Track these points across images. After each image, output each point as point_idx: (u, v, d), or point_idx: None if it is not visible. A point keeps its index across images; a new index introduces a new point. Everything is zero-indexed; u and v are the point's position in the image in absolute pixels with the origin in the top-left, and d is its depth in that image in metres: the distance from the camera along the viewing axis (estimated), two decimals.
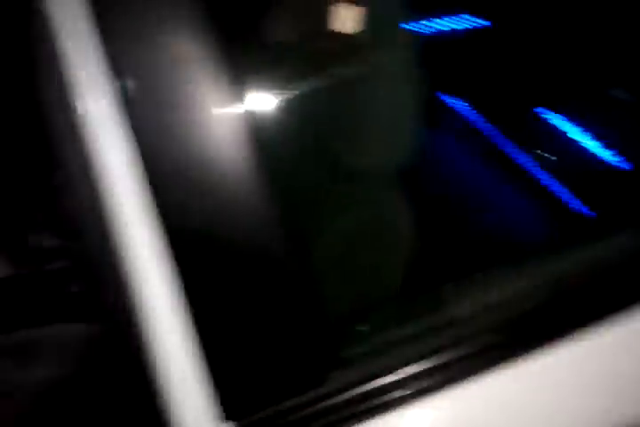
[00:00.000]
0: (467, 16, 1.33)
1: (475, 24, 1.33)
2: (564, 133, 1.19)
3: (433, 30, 1.31)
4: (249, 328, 0.77)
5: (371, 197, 1.02)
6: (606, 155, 1.15)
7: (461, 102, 1.27)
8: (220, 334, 0.76)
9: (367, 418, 0.79)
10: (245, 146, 0.76)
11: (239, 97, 0.78)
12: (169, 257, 0.76)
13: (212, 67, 0.77)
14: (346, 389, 0.79)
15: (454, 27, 1.34)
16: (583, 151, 1.17)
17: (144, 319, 0.76)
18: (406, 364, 0.80)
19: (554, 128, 1.20)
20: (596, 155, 1.16)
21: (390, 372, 0.79)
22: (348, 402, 0.78)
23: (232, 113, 0.77)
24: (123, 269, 0.76)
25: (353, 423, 0.79)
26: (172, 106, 0.76)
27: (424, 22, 1.31)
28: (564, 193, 1.12)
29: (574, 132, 1.19)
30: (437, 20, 1.33)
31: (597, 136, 1.16)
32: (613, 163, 1.14)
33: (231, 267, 0.76)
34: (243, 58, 0.85)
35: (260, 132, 0.78)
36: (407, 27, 1.18)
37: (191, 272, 0.76)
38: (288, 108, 0.97)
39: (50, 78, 0.79)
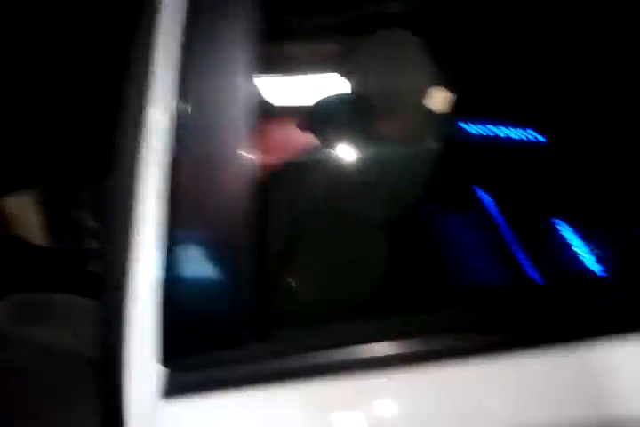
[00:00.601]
0: (531, 131, 1.46)
1: (531, 138, 1.46)
2: (569, 244, 1.26)
3: (490, 134, 1.44)
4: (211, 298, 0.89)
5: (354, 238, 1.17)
6: (595, 268, 1.21)
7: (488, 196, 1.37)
8: (184, 294, 0.88)
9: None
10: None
11: None
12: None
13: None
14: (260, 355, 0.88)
15: (511, 136, 1.47)
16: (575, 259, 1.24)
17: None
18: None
19: (561, 238, 1.27)
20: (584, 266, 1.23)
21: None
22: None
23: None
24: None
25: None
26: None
27: (487, 126, 1.45)
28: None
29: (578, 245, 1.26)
30: (501, 128, 1.47)
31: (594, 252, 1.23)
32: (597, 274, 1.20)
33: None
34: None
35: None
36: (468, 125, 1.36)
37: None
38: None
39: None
